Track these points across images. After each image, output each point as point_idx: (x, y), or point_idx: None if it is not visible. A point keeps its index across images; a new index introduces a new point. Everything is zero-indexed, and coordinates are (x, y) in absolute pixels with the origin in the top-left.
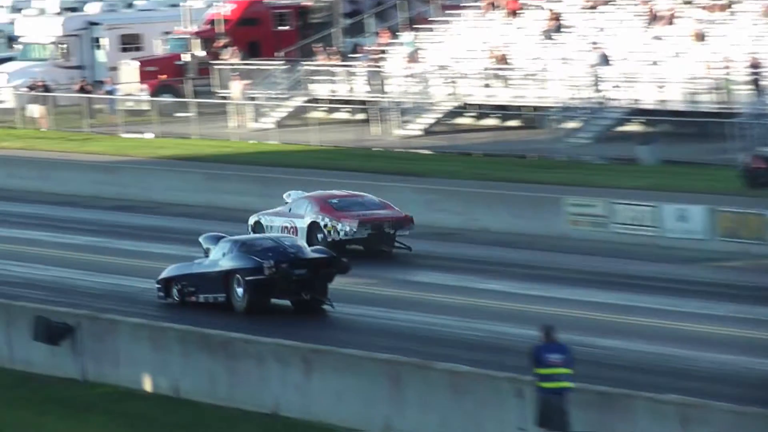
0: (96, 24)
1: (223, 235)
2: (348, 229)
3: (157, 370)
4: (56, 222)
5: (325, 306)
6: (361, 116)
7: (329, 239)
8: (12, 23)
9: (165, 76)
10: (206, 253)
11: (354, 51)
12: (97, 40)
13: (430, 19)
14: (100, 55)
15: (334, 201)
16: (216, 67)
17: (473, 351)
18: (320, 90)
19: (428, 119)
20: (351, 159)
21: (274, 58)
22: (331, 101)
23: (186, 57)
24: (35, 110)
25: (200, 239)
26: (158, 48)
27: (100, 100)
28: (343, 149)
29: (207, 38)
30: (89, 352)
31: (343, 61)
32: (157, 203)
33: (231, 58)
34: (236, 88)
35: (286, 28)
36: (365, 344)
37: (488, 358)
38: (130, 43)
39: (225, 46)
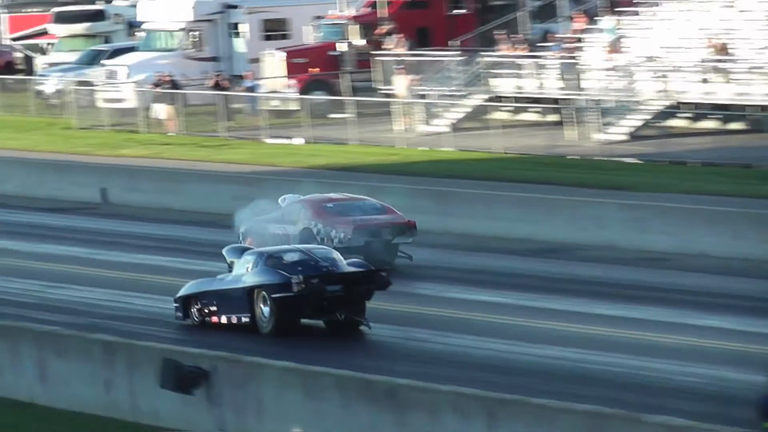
0: (234, 7)
1: (249, 246)
2: (342, 236)
3: (311, 422)
4: (186, 245)
5: (362, 327)
6: (553, 118)
7: None
8: (133, 7)
9: (317, 69)
10: (230, 267)
11: (544, 39)
12: (235, 26)
13: (635, 1)
14: (239, 45)
15: (330, 205)
16: (378, 58)
17: (690, 400)
18: (504, 86)
19: (634, 121)
20: (541, 169)
21: (448, 48)
22: (517, 100)
23: (342, 46)
24: (161, 111)
25: (223, 251)
26: (309, 36)
27: (239, 98)
28: (532, 157)
29: (367, 24)
30: (228, 401)
31: (530, 51)
32: None
33: (396, 47)
34: (402, 83)
35: (462, 11)
36: (557, 392)
37: (708, 408)
38: (274, 30)
39: (389, 34)
